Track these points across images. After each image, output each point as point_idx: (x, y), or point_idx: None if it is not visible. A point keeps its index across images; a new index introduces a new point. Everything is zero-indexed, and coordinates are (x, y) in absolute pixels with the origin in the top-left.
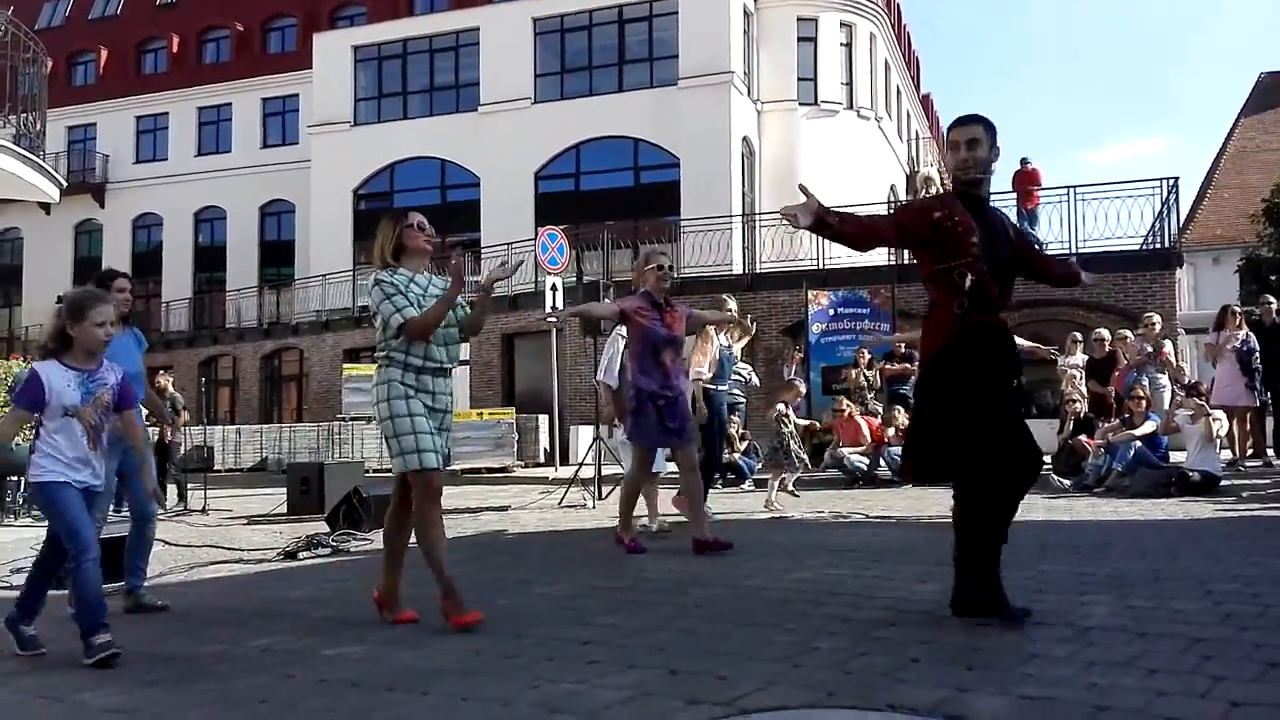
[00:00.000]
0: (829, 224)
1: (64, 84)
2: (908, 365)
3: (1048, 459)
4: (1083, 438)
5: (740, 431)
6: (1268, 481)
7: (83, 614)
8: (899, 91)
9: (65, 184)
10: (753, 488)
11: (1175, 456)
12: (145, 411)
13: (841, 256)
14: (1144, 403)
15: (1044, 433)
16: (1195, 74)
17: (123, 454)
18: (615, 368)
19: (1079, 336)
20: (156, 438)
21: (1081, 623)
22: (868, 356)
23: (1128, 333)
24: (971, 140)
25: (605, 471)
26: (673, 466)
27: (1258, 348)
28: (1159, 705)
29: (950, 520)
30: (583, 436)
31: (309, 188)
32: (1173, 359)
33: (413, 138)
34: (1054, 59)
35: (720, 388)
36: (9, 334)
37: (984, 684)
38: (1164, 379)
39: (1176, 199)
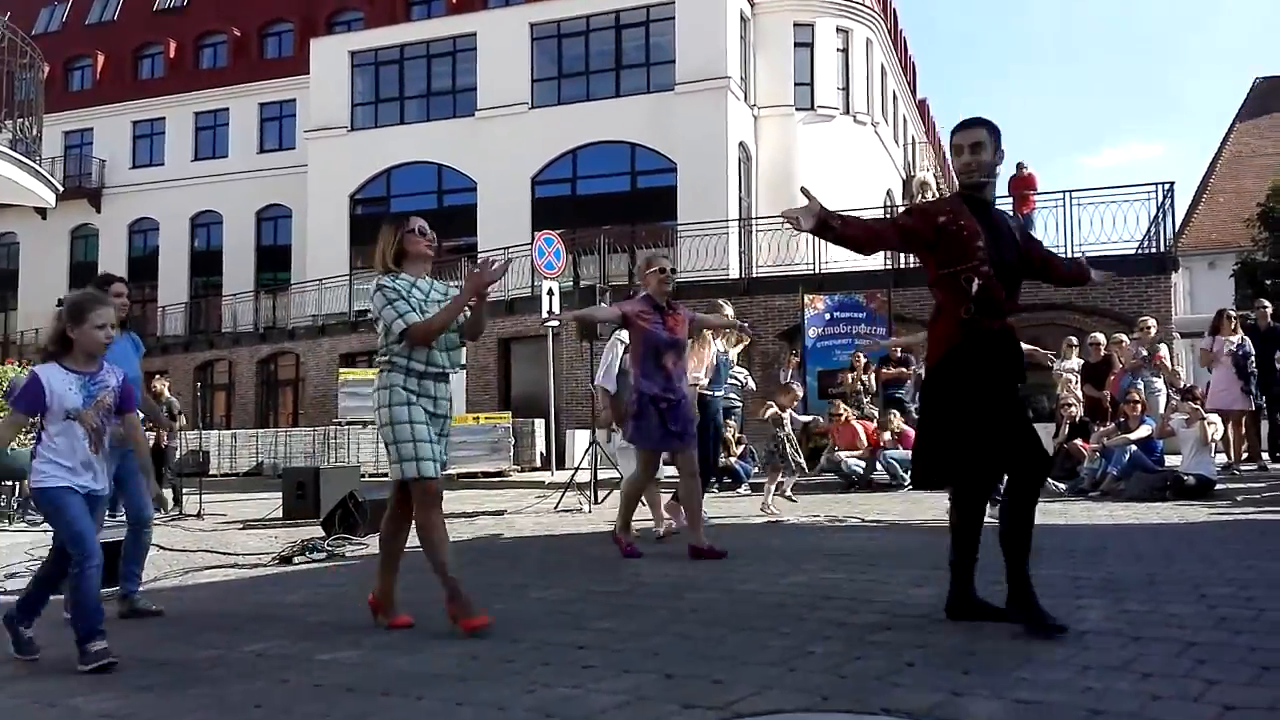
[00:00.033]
0: (831, 227)
1: (61, 89)
2: (904, 369)
3: None
4: (1078, 442)
5: (736, 436)
6: (1262, 485)
7: (80, 620)
8: (895, 96)
9: (61, 189)
10: (749, 492)
11: (1170, 460)
12: (142, 416)
13: (838, 261)
14: (1139, 407)
15: (1040, 437)
16: (1192, 77)
17: (120, 458)
18: (614, 372)
19: (1074, 341)
20: (153, 442)
21: (1076, 626)
22: (864, 360)
23: (1123, 337)
24: (975, 144)
25: (601, 476)
26: (670, 470)
27: (1253, 352)
28: (1153, 709)
29: (943, 524)
30: (579, 441)
31: (306, 193)
32: (1168, 363)
33: (410, 143)
34: (1052, 61)
35: (716, 393)
36: (4, 339)
37: (979, 688)
38: (1159, 383)
39: (1172, 204)
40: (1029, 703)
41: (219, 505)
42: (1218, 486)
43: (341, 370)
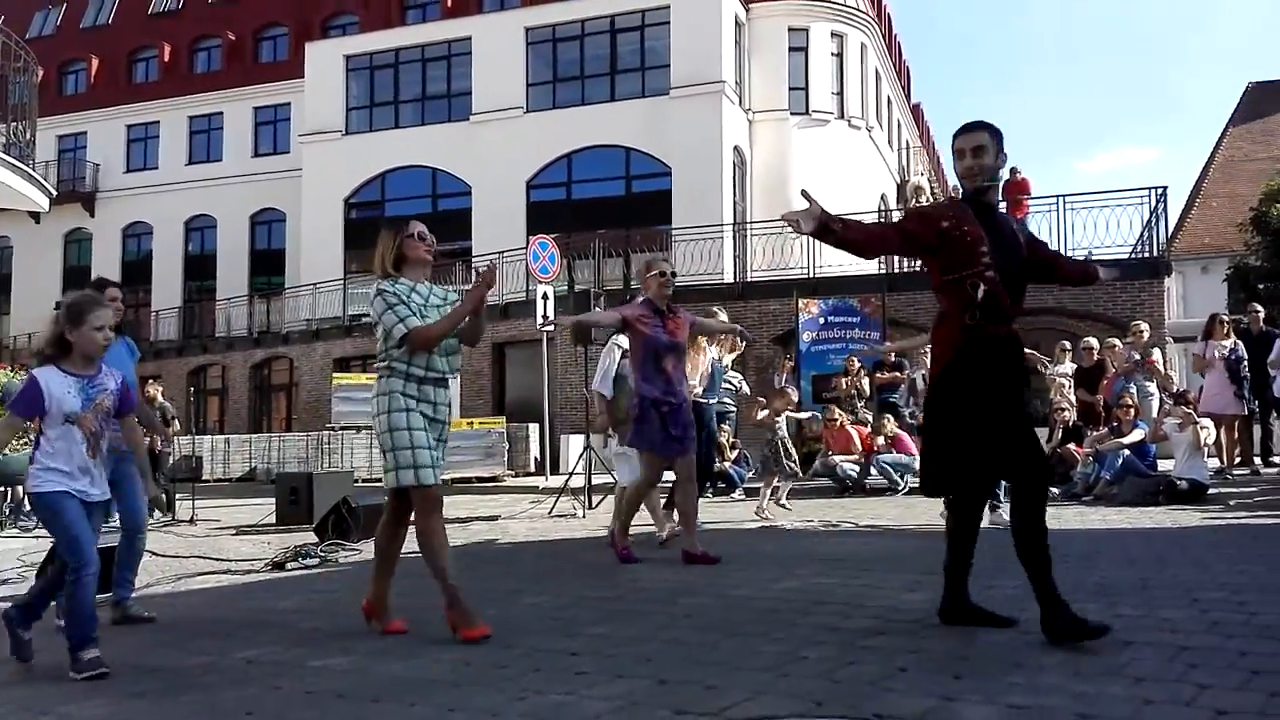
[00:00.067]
0: (832, 230)
1: (55, 93)
2: (898, 374)
3: None
4: (1071, 446)
5: (730, 440)
6: (1255, 489)
7: (74, 628)
8: (890, 101)
9: (55, 193)
10: (743, 497)
11: (1163, 465)
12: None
13: (832, 266)
14: (1132, 411)
15: (1041, 444)
16: (1187, 80)
17: (115, 463)
18: (610, 377)
19: (1067, 345)
20: (148, 447)
21: None
22: (858, 365)
23: (1116, 341)
24: (977, 147)
25: (595, 481)
26: (666, 474)
27: (1245, 356)
28: (1145, 713)
29: (938, 528)
30: (573, 446)
31: (300, 197)
32: (1161, 367)
33: (404, 147)
34: (1046, 64)
35: (710, 400)
36: None
37: (971, 693)
38: (1152, 387)
39: (1165, 208)
40: (1021, 707)
41: (212, 511)
42: (1210, 491)
43: (335, 375)
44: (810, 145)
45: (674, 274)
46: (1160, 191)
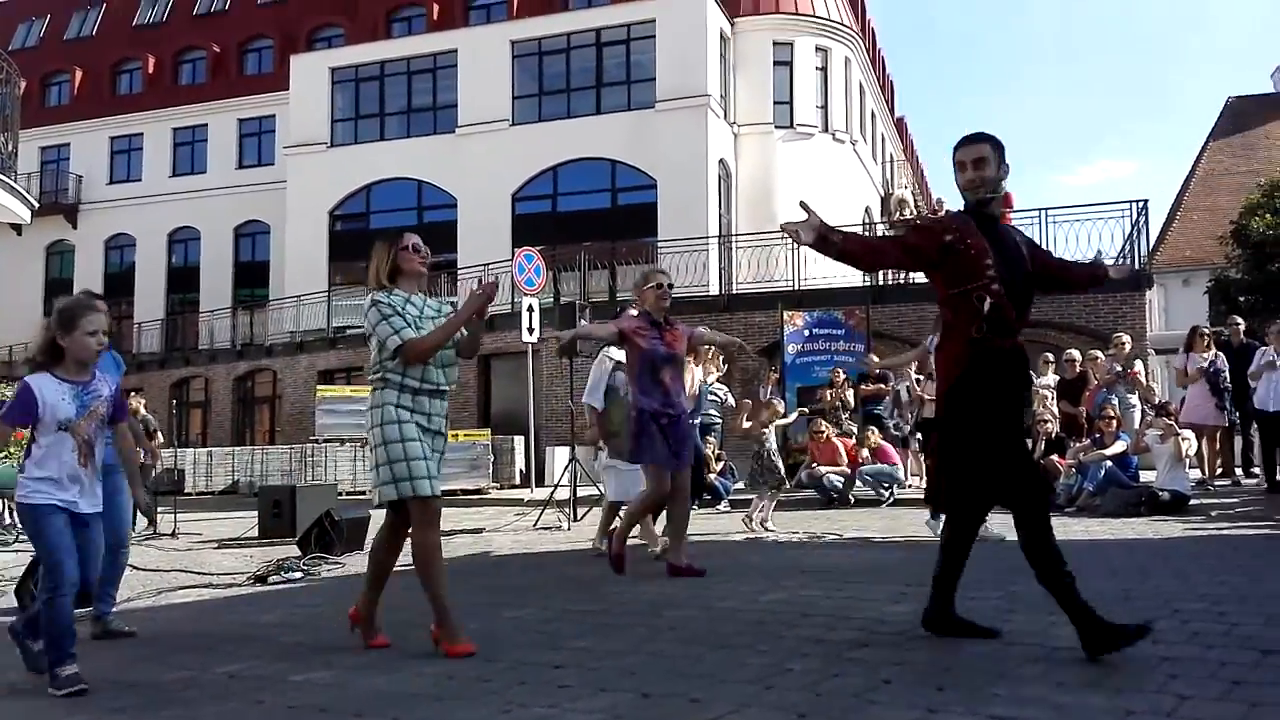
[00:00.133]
0: (832, 242)
1: (38, 104)
2: (882, 385)
3: None
4: (1054, 457)
5: (716, 452)
6: (1236, 500)
7: (51, 645)
8: (874, 115)
9: (37, 205)
10: (728, 508)
11: (1145, 476)
12: None
13: (816, 278)
14: (1114, 422)
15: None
16: (1169, 95)
17: (102, 476)
18: (601, 389)
19: (1050, 357)
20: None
21: (1051, 642)
22: (842, 377)
23: (1098, 353)
24: (978, 159)
25: (580, 493)
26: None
27: (1226, 368)
28: None
29: (922, 540)
30: (558, 458)
31: (284, 209)
32: (1143, 379)
33: (390, 159)
34: (1031, 77)
35: (695, 421)
36: None
37: (954, 704)
38: (1134, 399)
39: (1146, 221)
40: (1003, 718)
41: (194, 524)
42: (1192, 502)
43: (319, 387)
44: (795, 158)
45: (671, 285)
46: (1141, 205)
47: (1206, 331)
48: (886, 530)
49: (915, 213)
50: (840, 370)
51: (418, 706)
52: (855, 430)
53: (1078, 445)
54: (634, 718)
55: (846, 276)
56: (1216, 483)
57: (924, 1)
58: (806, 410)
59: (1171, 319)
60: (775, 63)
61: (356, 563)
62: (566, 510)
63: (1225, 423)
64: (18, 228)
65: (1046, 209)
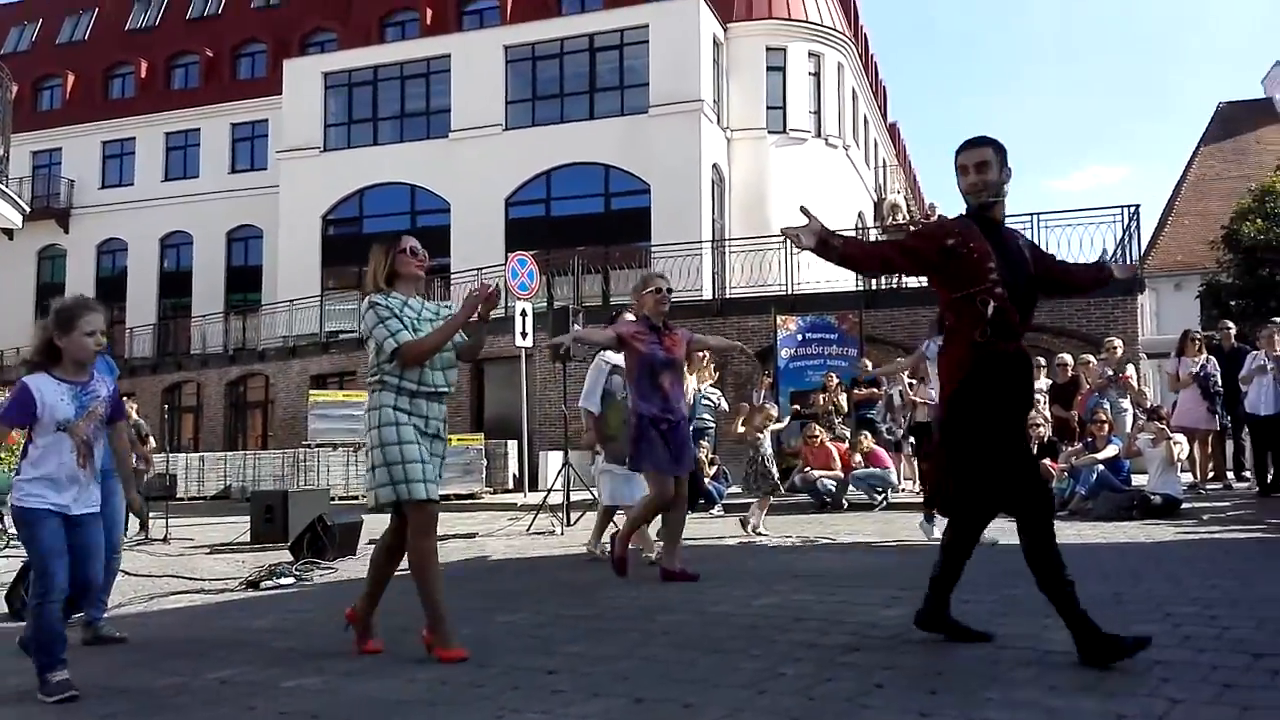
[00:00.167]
0: (833, 246)
1: (29, 109)
2: (875, 390)
3: None
4: (1046, 461)
5: (709, 457)
6: (1227, 504)
7: (40, 651)
8: (866, 120)
9: (29, 209)
10: (722, 513)
11: (1137, 480)
12: None
13: (809, 282)
14: (1106, 426)
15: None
16: (1167, 98)
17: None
18: (598, 393)
19: (1042, 361)
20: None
21: (1043, 646)
22: (835, 381)
23: (1090, 357)
24: (981, 163)
25: (574, 497)
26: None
27: (1217, 372)
28: None
29: (915, 544)
30: (552, 462)
31: (277, 213)
32: (1134, 383)
33: (383, 163)
34: (1027, 79)
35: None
36: None
37: (946, 708)
38: (1126, 403)
39: (1138, 226)
40: None
41: (186, 529)
42: (1184, 506)
43: (311, 392)
44: (788, 163)
45: (670, 290)
46: (1133, 210)
47: (1198, 336)
48: (879, 534)
49: (908, 218)
50: (833, 374)
51: (410, 712)
52: (848, 434)
53: (1070, 449)
54: None
55: (839, 281)
56: (1208, 486)
57: (923, 2)
58: (799, 407)
59: (1163, 323)
60: (768, 68)
61: (349, 568)
62: (560, 515)
63: (1217, 427)
64: (9, 232)
65: (1038, 214)
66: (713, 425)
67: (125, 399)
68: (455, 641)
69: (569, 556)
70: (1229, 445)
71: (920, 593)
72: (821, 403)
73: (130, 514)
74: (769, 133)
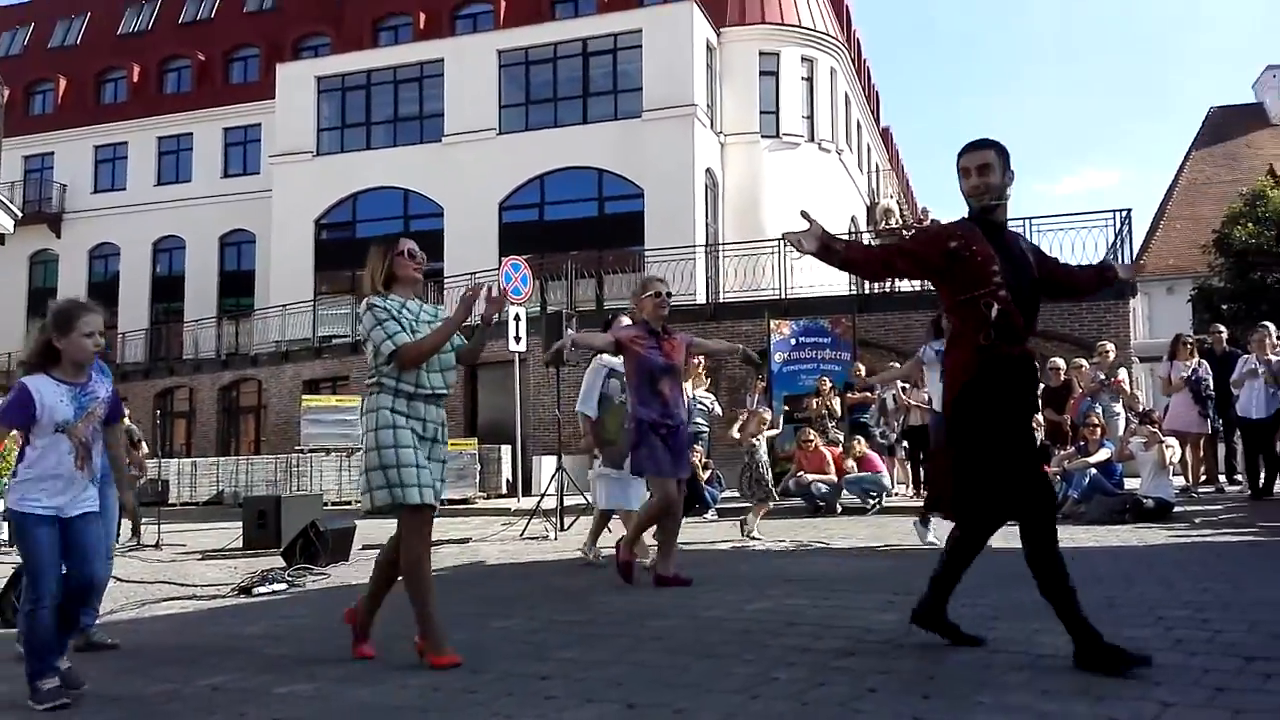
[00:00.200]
0: (835, 250)
1: (21, 113)
2: (869, 394)
3: None
4: None
5: (704, 461)
6: (1219, 507)
7: (32, 657)
8: (859, 125)
9: (20, 214)
10: (715, 518)
11: (1129, 483)
12: None
13: (803, 287)
14: (1099, 430)
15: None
16: (1167, 99)
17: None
18: (595, 397)
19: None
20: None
21: (1035, 650)
22: (829, 385)
23: (1083, 361)
24: (983, 165)
25: (568, 502)
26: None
27: (1209, 376)
28: None
29: (909, 549)
30: (545, 467)
31: (270, 218)
32: (1127, 387)
33: (376, 168)
34: (1024, 79)
35: None
36: None
37: (939, 712)
38: (1118, 407)
39: (1129, 230)
40: None
41: (178, 535)
42: (1176, 509)
43: (304, 397)
44: (781, 168)
45: (670, 294)
46: (1125, 214)
47: (1190, 340)
48: (873, 538)
49: (901, 222)
50: (827, 379)
51: (403, 719)
52: (842, 439)
53: (1062, 453)
54: None
55: (833, 285)
56: (1200, 490)
57: (922, 2)
58: (789, 409)
59: (1155, 327)
60: (761, 73)
61: (342, 574)
62: (553, 520)
63: (1209, 430)
64: (1, 237)
65: (1029, 218)
66: (706, 430)
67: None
68: (448, 648)
69: (562, 561)
70: (1221, 449)
71: (913, 597)
72: (815, 407)
73: (122, 518)
74: (762, 137)
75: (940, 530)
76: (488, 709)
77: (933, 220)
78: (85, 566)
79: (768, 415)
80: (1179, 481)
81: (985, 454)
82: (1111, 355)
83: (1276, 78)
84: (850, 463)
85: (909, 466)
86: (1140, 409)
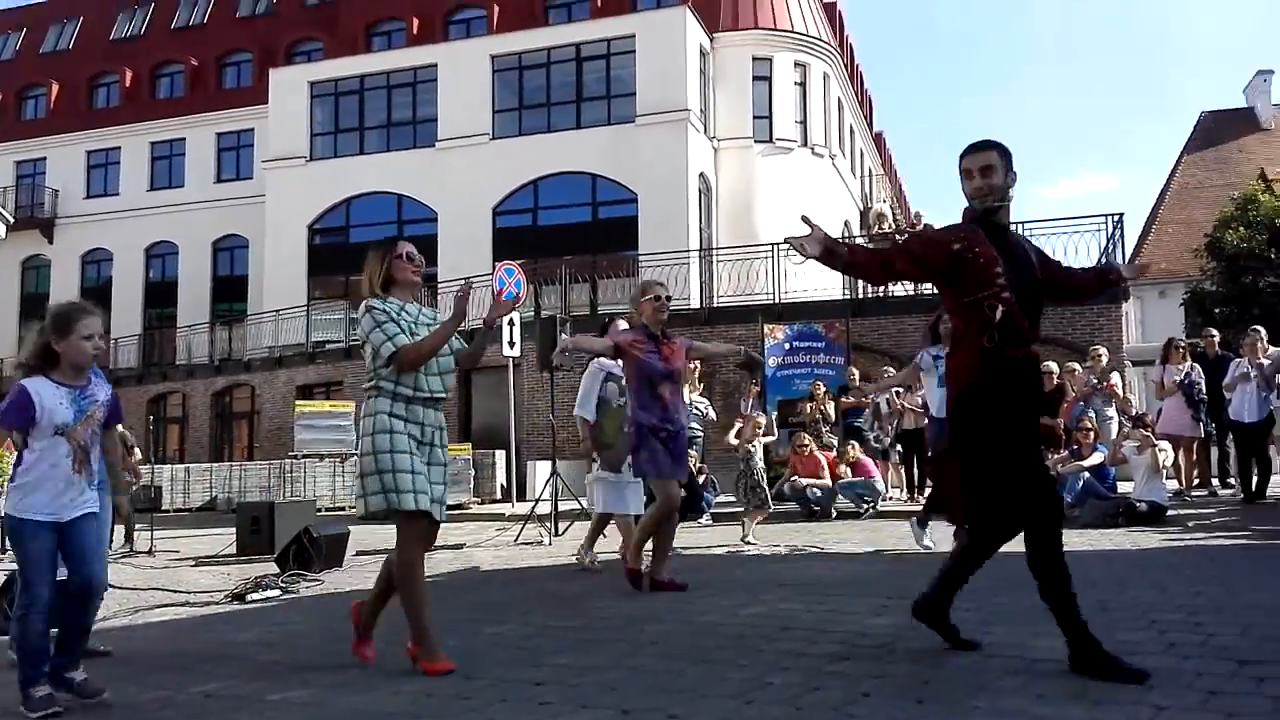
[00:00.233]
0: (839, 254)
1: (13, 118)
2: (863, 399)
3: None
4: None
5: (698, 465)
6: (1212, 511)
7: (24, 664)
8: (852, 129)
9: (13, 219)
10: (710, 522)
11: (1123, 487)
12: None
13: (796, 291)
14: (1091, 434)
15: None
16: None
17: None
18: (592, 400)
19: None
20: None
21: (1030, 654)
22: (823, 390)
23: (1075, 365)
24: (986, 167)
25: (562, 507)
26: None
27: (1202, 380)
28: None
29: (904, 553)
30: (540, 472)
31: (263, 223)
32: (1119, 390)
33: (370, 173)
34: (1020, 82)
35: None
36: None
37: (934, 717)
38: (1111, 410)
39: (1122, 234)
40: None
41: (171, 541)
42: (1169, 513)
43: (298, 402)
44: (774, 172)
45: (669, 298)
46: (1117, 218)
47: (1182, 343)
48: (867, 542)
49: (894, 226)
50: (821, 383)
51: None
52: (836, 443)
53: (1055, 457)
54: None
55: (826, 290)
56: (1193, 493)
57: (920, 3)
58: (781, 412)
59: (1148, 331)
60: (754, 78)
61: (335, 580)
62: (548, 525)
63: (1201, 434)
64: None
65: (1023, 222)
66: (701, 434)
67: None
68: (441, 654)
69: (557, 567)
70: (1214, 452)
71: (907, 601)
72: (809, 411)
73: (116, 523)
74: (755, 142)
75: (937, 533)
76: (481, 715)
77: (925, 225)
78: (84, 568)
79: (763, 420)
80: (1172, 485)
81: (990, 456)
82: (1104, 359)
83: (1267, 82)
84: (844, 467)
85: (903, 471)
86: (1133, 413)
